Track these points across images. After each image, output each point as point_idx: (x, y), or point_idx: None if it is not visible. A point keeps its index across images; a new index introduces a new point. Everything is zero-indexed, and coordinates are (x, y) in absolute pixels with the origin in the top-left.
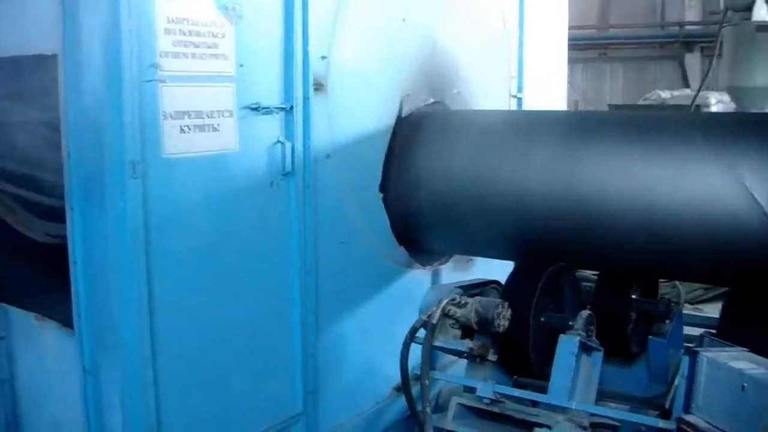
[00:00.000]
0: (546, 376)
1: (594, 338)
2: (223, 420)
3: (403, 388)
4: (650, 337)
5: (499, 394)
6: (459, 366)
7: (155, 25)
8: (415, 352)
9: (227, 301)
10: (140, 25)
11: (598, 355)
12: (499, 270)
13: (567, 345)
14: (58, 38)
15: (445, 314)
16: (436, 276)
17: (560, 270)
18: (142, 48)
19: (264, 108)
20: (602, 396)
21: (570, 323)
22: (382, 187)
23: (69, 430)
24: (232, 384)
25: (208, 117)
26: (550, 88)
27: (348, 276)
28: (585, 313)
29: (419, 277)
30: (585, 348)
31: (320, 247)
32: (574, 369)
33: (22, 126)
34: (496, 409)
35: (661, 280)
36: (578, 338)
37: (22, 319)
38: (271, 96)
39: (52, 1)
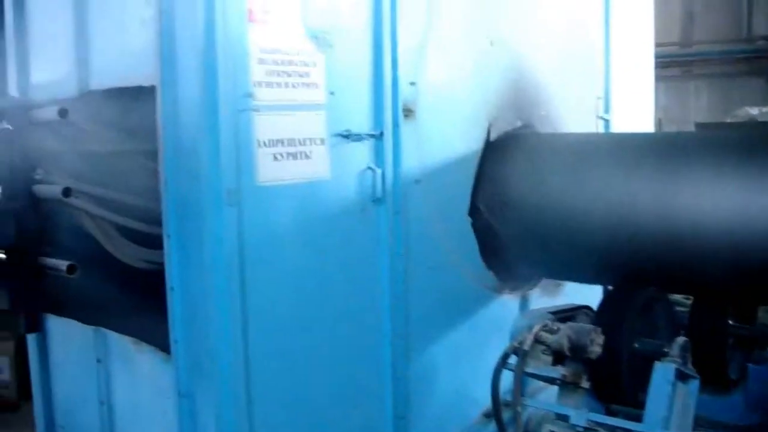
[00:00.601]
0: (640, 404)
1: (690, 365)
2: None
3: (495, 414)
4: (749, 364)
5: (593, 422)
6: (548, 392)
7: (249, 56)
8: (505, 377)
9: (319, 326)
10: (235, 55)
11: (695, 383)
12: (588, 295)
13: (662, 372)
14: (156, 70)
15: (536, 340)
16: (524, 301)
17: (654, 294)
18: (237, 78)
19: (354, 135)
20: (698, 424)
21: (665, 350)
22: (471, 212)
23: None
24: (322, 409)
25: (301, 144)
26: (637, 109)
27: (437, 301)
28: (681, 339)
29: (507, 302)
30: (681, 376)
31: (410, 272)
32: (670, 397)
33: (121, 155)
34: None
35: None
36: (674, 366)
37: (119, 343)
38: (362, 123)
39: (151, 34)
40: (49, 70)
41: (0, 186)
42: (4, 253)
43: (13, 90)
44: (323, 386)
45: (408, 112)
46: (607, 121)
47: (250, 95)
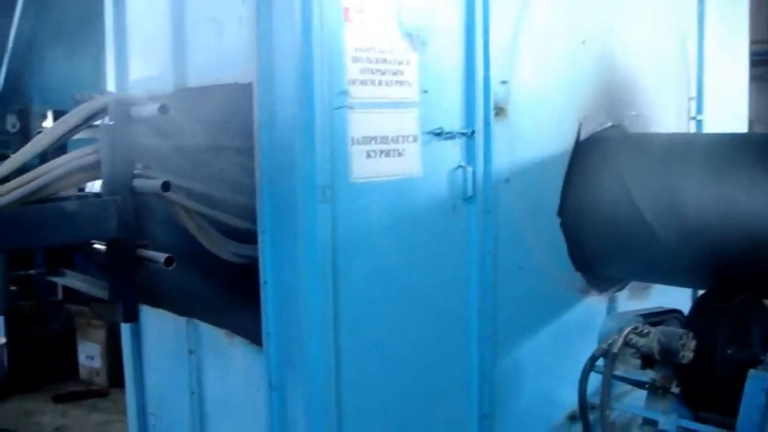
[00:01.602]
0: (731, 412)
1: None
2: None
3: (581, 417)
4: None
5: (682, 428)
6: (633, 396)
7: (344, 54)
8: (591, 380)
9: (408, 323)
10: (330, 54)
11: None
12: (678, 298)
13: (757, 381)
14: (254, 67)
15: (626, 343)
16: (612, 303)
17: (749, 300)
18: (332, 76)
19: (447, 133)
20: None
21: (760, 358)
22: (561, 212)
23: None
24: (409, 406)
25: (393, 142)
26: (730, 109)
27: (525, 301)
28: None
29: (595, 304)
30: None
31: (499, 271)
32: (764, 406)
33: (216, 151)
34: None
35: None
36: None
37: (211, 335)
38: (453, 121)
39: (248, 33)
40: (146, 67)
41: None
42: (105, 245)
43: (111, 87)
44: (411, 382)
45: (499, 111)
46: (699, 122)
47: (344, 93)
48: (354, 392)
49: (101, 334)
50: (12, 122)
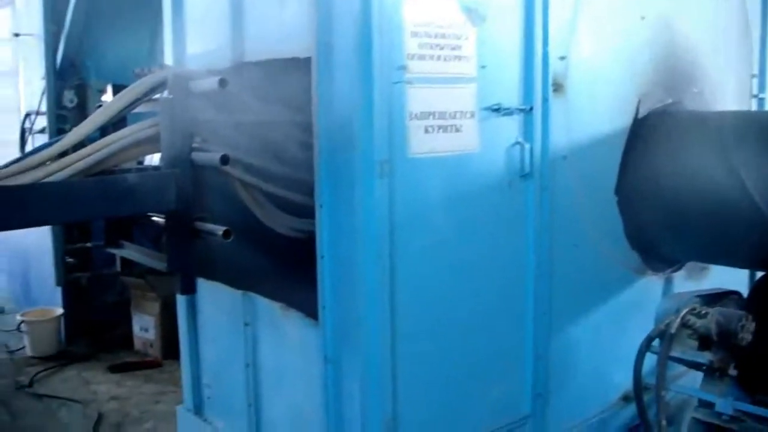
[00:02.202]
0: None
1: None
2: (453, 417)
3: (636, 397)
4: None
5: (739, 410)
6: (688, 378)
7: (403, 28)
8: (646, 360)
9: (463, 299)
10: (390, 28)
11: None
12: (735, 280)
13: None
14: (312, 42)
15: (683, 324)
16: (668, 284)
17: None
18: (392, 51)
19: (504, 109)
20: None
21: None
22: (617, 190)
23: (307, 415)
24: (463, 382)
25: (451, 118)
26: None
27: (580, 279)
28: None
29: (651, 284)
30: None
31: (554, 249)
32: None
33: (274, 125)
34: (734, 427)
35: None
36: None
37: (267, 308)
38: (511, 97)
39: (307, 8)
40: (203, 42)
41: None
42: (164, 218)
43: (168, 62)
44: (465, 359)
45: (558, 87)
46: (762, 100)
47: (403, 68)
48: (409, 367)
49: (155, 307)
50: (69, 98)
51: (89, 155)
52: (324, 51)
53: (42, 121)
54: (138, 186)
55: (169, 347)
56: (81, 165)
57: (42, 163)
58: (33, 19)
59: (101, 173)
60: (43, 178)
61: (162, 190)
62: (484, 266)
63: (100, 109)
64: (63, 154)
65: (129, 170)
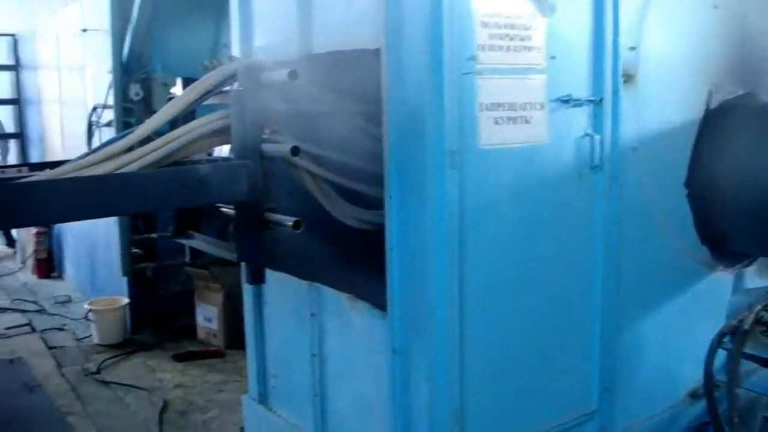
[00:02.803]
0: None
1: None
2: (520, 410)
3: (707, 394)
4: None
5: None
6: (759, 375)
7: (473, 19)
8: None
9: (531, 292)
10: (460, 18)
11: None
12: None
13: None
14: (382, 33)
15: (757, 320)
16: (738, 279)
17: None
18: (462, 41)
19: (574, 100)
20: None
21: None
22: (688, 183)
23: (373, 405)
24: (530, 375)
25: (521, 109)
26: None
27: (649, 273)
28: None
29: (721, 280)
30: None
31: (623, 242)
32: None
33: (342, 117)
34: None
35: None
36: None
37: (334, 299)
38: (581, 88)
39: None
40: (271, 34)
41: (232, 144)
42: (234, 208)
43: (235, 53)
44: (533, 352)
45: (628, 78)
46: None
47: (473, 58)
48: (476, 359)
49: (219, 297)
50: (135, 91)
51: (161, 147)
52: (394, 42)
53: (108, 115)
54: (210, 177)
55: (232, 337)
56: (153, 156)
57: (115, 155)
58: (100, 15)
59: (172, 165)
60: (117, 169)
61: (234, 180)
62: (553, 259)
63: (172, 101)
64: (137, 145)
65: (199, 161)
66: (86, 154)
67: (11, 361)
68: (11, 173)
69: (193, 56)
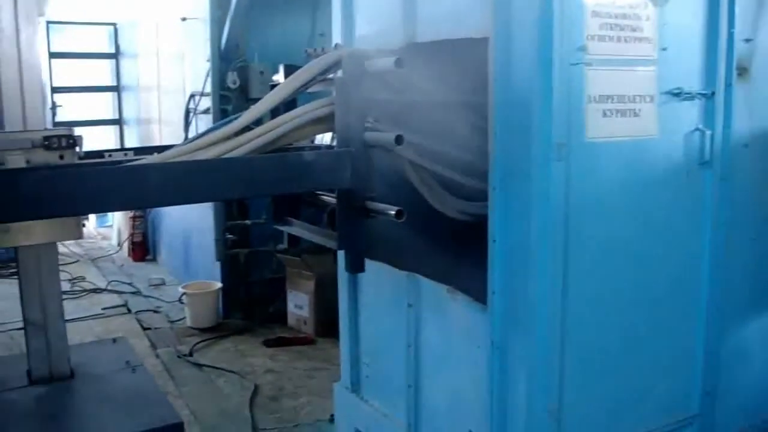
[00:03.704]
0: None
1: None
2: (617, 411)
3: None
4: None
5: None
6: None
7: (584, 9)
8: None
9: (635, 289)
10: (570, 8)
11: None
12: None
13: None
14: (489, 22)
15: None
16: None
17: None
18: (571, 31)
19: (685, 93)
20: None
21: None
22: None
23: (469, 399)
24: (630, 376)
25: (630, 101)
26: None
27: (756, 274)
28: None
29: None
30: None
31: (731, 241)
32: None
33: (445, 107)
34: None
35: None
36: None
37: (432, 290)
38: (692, 81)
39: None
40: (373, 23)
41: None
42: (337, 196)
43: (336, 41)
44: (633, 353)
45: (742, 71)
46: None
47: (583, 49)
48: (576, 357)
49: (310, 285)
50: (233, 79)
51: (266, 133)
52: (502, 31)
53: (205, 102)
54: (315, 163)
55: (322, 325)
56: (258, 142)
57: (221, 140)
58: (199, 4)
59: (275, 151)
60: (223, 154)
61: (338, 168)
62: (658, 256)
63: (277, 88)
64: (242, 131)
65: (303, 148)
66: (192, 139)
67: (114, 340)
68: (118, 156)
69: (289, 44)
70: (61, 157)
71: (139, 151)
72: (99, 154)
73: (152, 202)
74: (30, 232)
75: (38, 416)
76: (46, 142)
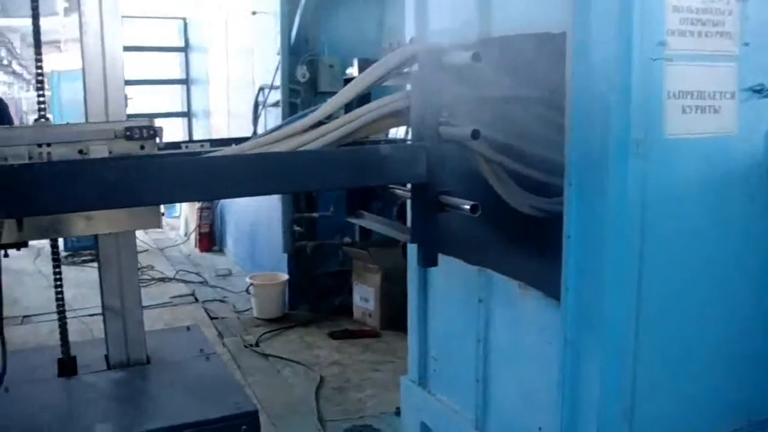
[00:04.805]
0: None
1: None
2: (691, 412)
3: None
4: None
5: None
6: None
7: (664, 3)
8: None
9: (711, 290)
10: (650, 3)
11: None
12: None
13: None
14: (567, 17)
15: None
16: None
17: None
18: (651, 26)
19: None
20: None
21: None
22: None
23: (539, 395)
24: (705, 377)
25: (710, 98)
26: None
27: None
28: None
29: None
30: None
31: None
32: None
33: (520, 102)
34: None
35: None
36: None
37: (503, 286)
38: None
39: None
40: (448, 17)
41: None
42: (411, 190)
43: (409, 36)
44: (708, 354)
45: None
46: None
47: (663, 44)
48: (650, 356)
49: (376, 279)
50: (302, 72)
51: (342, 126)
52: (580, 26)
53: (274, 95)
54: (391, 157)
55: (388, 318)
56: (334, 136)
57: (296, 133)
58: None
59: (349, 145)
60: (299, 147)
61: (413, 162)
62: (735, 257)
63: (353, 81)
64: (317, 124)
65: (378, 142)
66: (267, 132)
67: (188, 328)
68: (195, 148)
69: (358, 38)
70: (142, 147)
71: (215, 142)
72: (176, 145)
73: (231, 192)
74: (111, 221)
75: (117, 399)
76: (128, 133)
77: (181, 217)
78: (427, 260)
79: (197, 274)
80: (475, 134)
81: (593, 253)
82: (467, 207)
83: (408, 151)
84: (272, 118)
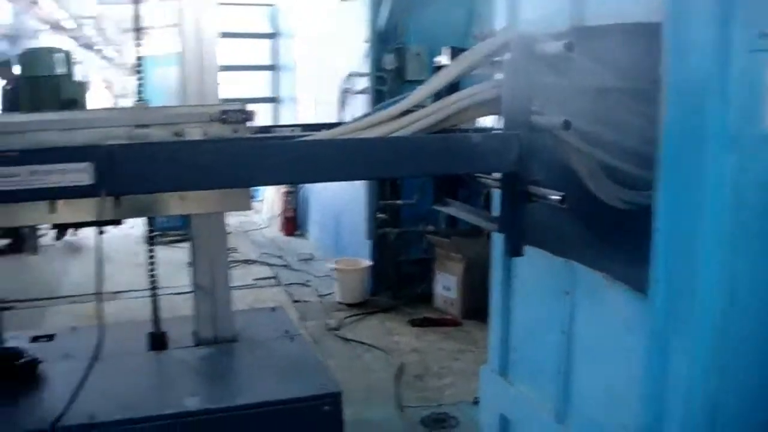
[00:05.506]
0: None
1: None
2: None
3: None
4: None
5: None
6: None
7: None
8: None
9: None
10: None
11: None
12: None
13: None
14: (663, 6)
15: None
16: None
17: None
18: (753, 17)
19: None
20: None
21: None
22: None
23: (622, 389)
24: None
25: None
26: None
27: None
28: None
29: None
30: None
31: None
32: None
33: (612, 93)
34: None
35: None
36: None
37: (588, 278)
38: None
39: None
40: (539, 6)
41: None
42: (501, 179)
43: (499, 25)
44: None
45: None
46: None
47: (764, 36)
48: (740, 356)
49: (459, 267)
50: (389, 60)
51: (433, 113)
52: (677, 15)
53: (361, 83)
54: (482, 146)
55: (469, 308)
56: (425, 123)
57: (388, 120)
58: None
59: (438, 133)
60: (390, 133)
61: (504, 151)
62: None
63: (444, 69)
64: (408, 111)
65: (465, 131)
66: (358, 119)
67: (273, 309)
68: (285, 132)
69: (445, 27)
70: (235, 131)
71: (306, 127)
72: (267, 129)
73: (323, 176)
74: (204, 202)
75: (206, 374)
76: (223, 116)
77: (265, 202)
78: (514, 251)
79: (280, 257)
80: (567, 124)
81: (684, 247)
82: (556, 197)
83: (499, 139)
84: (359, 105)
